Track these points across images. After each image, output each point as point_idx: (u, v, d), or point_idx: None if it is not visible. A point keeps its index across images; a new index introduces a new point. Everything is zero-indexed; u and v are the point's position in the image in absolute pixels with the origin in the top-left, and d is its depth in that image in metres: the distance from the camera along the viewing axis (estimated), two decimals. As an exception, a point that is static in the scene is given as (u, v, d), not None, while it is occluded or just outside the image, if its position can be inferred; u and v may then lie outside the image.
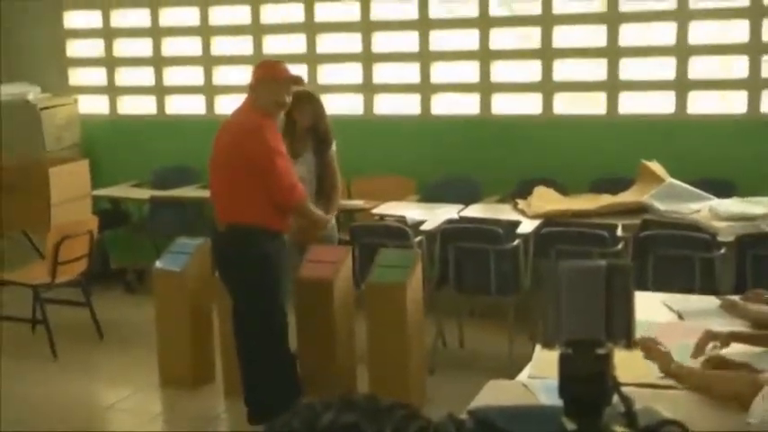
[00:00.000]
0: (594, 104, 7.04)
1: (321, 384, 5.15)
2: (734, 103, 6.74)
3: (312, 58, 7.65)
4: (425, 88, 7.38)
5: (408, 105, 7.43)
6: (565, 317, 1.61)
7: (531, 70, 7.10)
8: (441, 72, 7.36)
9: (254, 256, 4.84)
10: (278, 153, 4.85)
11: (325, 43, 7.64)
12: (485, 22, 7.15)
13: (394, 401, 1.31)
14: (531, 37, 7.10)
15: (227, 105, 8.02)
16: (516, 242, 5.78)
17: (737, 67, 6.70)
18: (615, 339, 1.58)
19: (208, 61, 8.04)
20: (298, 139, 5.30)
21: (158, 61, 8.21)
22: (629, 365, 2.36)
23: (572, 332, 1.60)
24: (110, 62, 8.39)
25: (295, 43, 7.72)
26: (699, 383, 2.89)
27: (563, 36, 7.00)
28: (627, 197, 6.16)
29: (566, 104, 7.12)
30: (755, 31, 6.55)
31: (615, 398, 1.61)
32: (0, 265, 6.80)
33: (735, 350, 3.35)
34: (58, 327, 6.37)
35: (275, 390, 4.89)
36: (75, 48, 8.53)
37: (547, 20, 6.99)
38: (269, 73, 5.00)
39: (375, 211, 6.44)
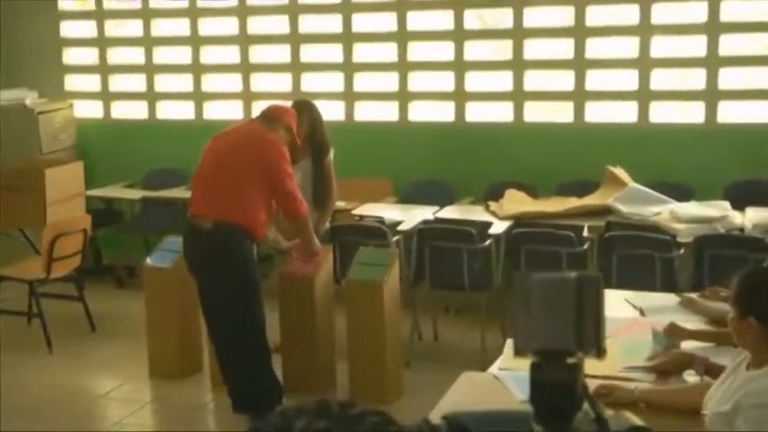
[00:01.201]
0: (562, 113, 7.06)
1: (302, 377, 5.15)
2: (692, 113, 6.77)
3: (297, 67, 7.64)
4: (403, 96, 7.37)
5: (387, 112, 7.42)
6: (536, 327, 1.59)
7: (502, 80, 7.11)
8: (418, 81, 7.36)
9: (241, 254, 4.77)
10: (289, 170, 4.86)
11: (309, 53, 7.62)
12: (460, 34, 7.15)
13: (368, 408, 1.27)
14: (503, 49, 7.11)
15: (215, 111, 8.02)
16: (488, 242, 5.79)
17: (695, 79, 6.73)
18: (585, 349, 1.55)
19: (197, 69, 8.00)
20: (295, 147, 5.27)
21: (150, 69, 8.17)
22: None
23: (543, 342, 1.57)
24: (104, 69, 8.34)
25: (280, 53, 7.70)
26: (662, 400, 2.88)
27: (533, 48, 7.02)
28: (592, 200, 6.18)
29: (535, 113, 7.13)
30: (712, 45, 6.59)
31: (586, 404, 1.59)
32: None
33: (694, 345, 3.37)
34: (52, 320, 6.32)
35: (257, 380, 4.86)
36: (70, 55, 8.47)
37: (518, 33, 7.00)
38: (291, 122, 5.05)
39: (355, 211, 6.43)
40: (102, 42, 8.31)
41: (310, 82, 7.63)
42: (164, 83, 8.18)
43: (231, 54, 7.86)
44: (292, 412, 1.26)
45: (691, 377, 3.13)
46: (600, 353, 1.56)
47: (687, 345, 3.37)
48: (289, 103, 5.56)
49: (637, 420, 1.69)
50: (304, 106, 5.56)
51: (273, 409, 1.33)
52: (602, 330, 1.58)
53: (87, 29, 8.35)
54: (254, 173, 4.77)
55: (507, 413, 2.15)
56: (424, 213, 6.29)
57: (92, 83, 8.40)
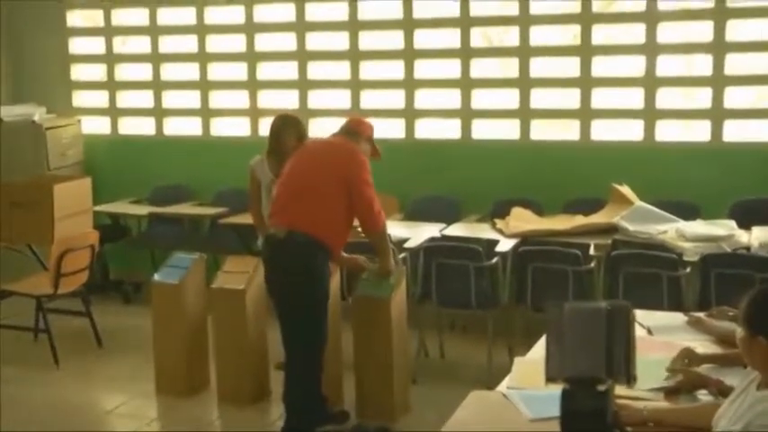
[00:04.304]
0: (568, 131, 7.08)
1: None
2: (698, 132, 6.79)
3: (304, 84, 7.68)
4: (410, 113, 7.40)
5: (394, 129, 7.44)
6: (567, 355, 1.60)
7: (509, 98, 7.14)
8: (424, 98, 7.39)
9: (311, 266, 4.70)
10: (369, 179, 4.82)
11: (317, 70, 7.65)
12: (466, 52, 7.18)
13: None
14: (509, 67, 7.13)
15: (223, 127, 8.06)
16: (495, 260, 5.79)
17: (701, 97, 6.75)
18: (616, 376, 1.55)
19: (204, 85, 8.04)
20: (284, 160, 5.26)
21: (157, 85, 8.22)
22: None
23: (574, 369, 1.58)
24: (112, 85, 8.39)
25: (288, 70, 7.74)
26: (672, 420, 2.87)
27: (540, 66, 7.05)
28: (599, 218, 6.18)
29: (541, 131, 7.14)
30: (718, 64, 6.61)
31: None
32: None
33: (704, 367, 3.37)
34: (59, 335, 6.34)
35: (303, 397, 4.84)
36: (79, 71, 8.52)
37: (524, 51, 7.03)
38: (362, 130, 5.08)
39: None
40: (110, 59, 8.36)
41: (317, 99, 7.67)
42: (171, 99, 8.22)
43: (239, 70, 7.90)
44: None
45: (702, 396, 3.13)
46: (630, 380, 1.57)
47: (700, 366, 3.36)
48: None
49: None
50: (291, 120, 5.70)
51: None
52: (633, 358, 1.59)
53: (95, 45, 8.40)
54: (333, 182, 4.73)
55: None
56: (430, 231, 6.30)
57: (100, 99, 8.45)
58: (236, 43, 7.88)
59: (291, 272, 4.73)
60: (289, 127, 5.60)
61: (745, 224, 5.88)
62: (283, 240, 4.72)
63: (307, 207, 4.74)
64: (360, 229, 4.98)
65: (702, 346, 3.59)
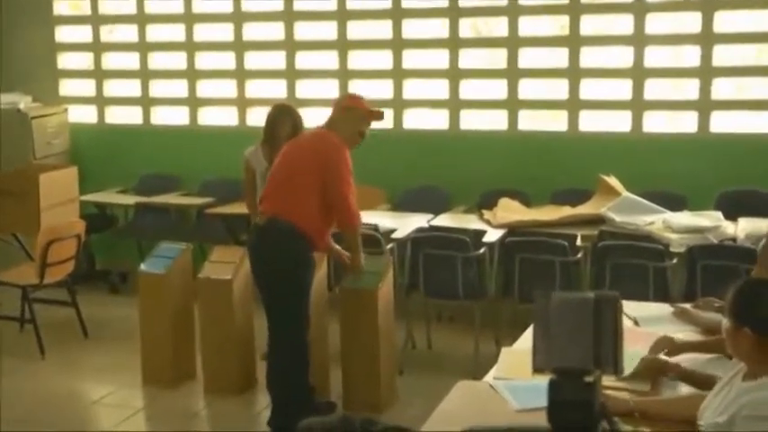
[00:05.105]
0: (556, 122, 7.07)
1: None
2: (685, 123, 6.80)
3: (292, 74, 7.65)
4: (398, 104, 7.39)
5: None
6: (554, 345, 1.60)
7: (497, 88, 7.13)
8: (412, 88, 7.38)
9: (291, 253, 4.71)
10: (350, 179, 4.80)
11: (305, 60, 7.63)
12: (455, 42, 7.17)
13: (390, 425, 1.28)
14: (497, 57, 7.12)
15: (210, 117, 8.02)
16: (482, 250, 5.79)
17: (689, 88, 6.76)
18: (603, 367, 1.55)
19: (191, 75, 8.01)
20: (278, 149, 5.26)
21: (144, 74, 8.17)
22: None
23: (561, 360, 1.58)
24: (98, 74, 8.34)
25: (276, 59, 7.71)
26: (657, 411, 2.88)
27: (528, 57, 7.04)
28: (586, 209, 6.19)
29: (529, 121, 7.14)
30: (706, 56, 6.62)
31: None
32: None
33: (687, 356, 3.37)
34: (45, 325, 6.32)
35: (289, 386, 4.85)
36: (65, 60, 8.48)
37: (513, 41, 7.02)
38: (355, 104, 5.00)
39: (349, 219, 6.41)
40: (96, 47, 8.31)
41: (305, 89, 7.64)
42: (158, 88, 8.18)
43: (226, 60, 7.87)
44: (317, 428, 1.27)
45: (684, 388, 3.13)
46: (617, 371, 1.57)
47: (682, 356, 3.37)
48: None
49: None
50: (286, 110, 5.82)
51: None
52: (620, 349, 1.59)
53: (82, 34, 8.35)
54: (312, 175, 4.73)
55: (526, 428, 2.15)
56: (418, 221, 6.30)
57: (86, 88, 8.40)
58: (224, 32, 7.84)
59: (271, 258, 4.76)
60: (284, 116, 5.72)
61: (731, 215, 5.90)
62: (264, 227, 4.77)
63: (288, 196, 4.76)
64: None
65: (688, 337, 3.60)
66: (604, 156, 6.77)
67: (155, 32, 8.12)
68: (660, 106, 6.87)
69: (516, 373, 3.24)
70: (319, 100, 7.47)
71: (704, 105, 6.68)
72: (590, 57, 6.89)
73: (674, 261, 5.46)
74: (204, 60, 7.99)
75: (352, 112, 4.95)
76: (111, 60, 8.33)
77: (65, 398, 5.53)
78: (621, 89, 6.85)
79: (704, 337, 3.58)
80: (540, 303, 1.65)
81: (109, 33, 8.31)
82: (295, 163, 4.83)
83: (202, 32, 7.94)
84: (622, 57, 6.81)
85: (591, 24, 6.89)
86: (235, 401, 5.36)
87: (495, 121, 7.17)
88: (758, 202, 6.23)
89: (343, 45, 7.48)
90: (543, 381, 2.03)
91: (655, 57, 6.76)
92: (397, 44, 7.32)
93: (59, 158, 7.94)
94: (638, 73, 6.77)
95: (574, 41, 6.88)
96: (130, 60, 8.21)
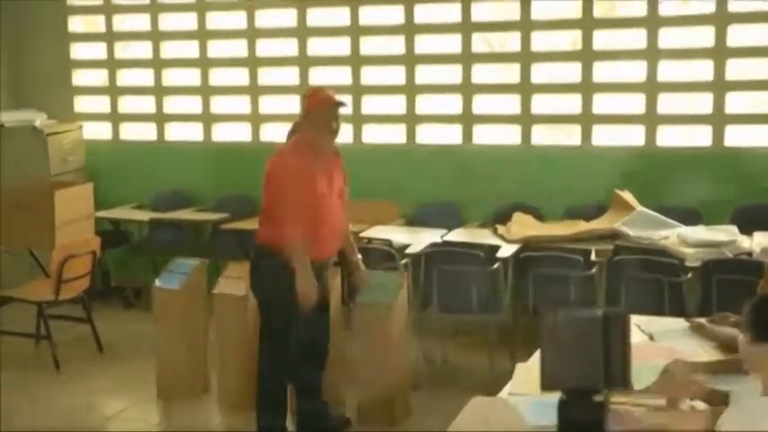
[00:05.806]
0: (570, 136, 7.07)
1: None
2: (699, 137, 6.79)
3: (305, 90, 7.65)
4: (411, 119, 7.40)
5: (395, 134, 7.45)
6: (563, 364, 1.57)
7: (510, 103, 7.14)
8: (425, 103, 7.39)
9: (267, 272, 4.76)
10: (296, 186, 4.64)
11: (318, 76, 7.65)
12: (467, 57, 7.19)
13: None
14: (510, 72, 7.14)
15: (224, 133, 8.06)
16: (497, 265, 5.79)
17: (703, 103, 6.75)
18: (613, 386, 1.53)
19: (205, 91, 8.05)
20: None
21: (159, 91, 8.22)
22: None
23: (570, 379, 1.55)
24: (113, 91, 8.40)
25: (289, 75, 7.74)
26: (672, 426, 2.86)
27: (541, 72, 7.05)
28: (600, 224, 6.18)
29: (543, 136, 7.14)
30: (719, 69, 6.61)
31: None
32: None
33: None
34: (60, 342, 6.35)
35: (261, 398, 4.92)
36: (80, 77, 8.53)
37: (526, 56, 7.04)
38: (318, 99, 4.88)
39: (363, 234, 6.43)
40: (111, 64, 8.37)
41: (318, 104, 7.64)
42: (173, 105, 8.22)
43: (240, 76, 7.91)
44: None
45: (700, 404, 3.12)
46: (627, 390, 1.55)
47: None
48: None
49: None
50: None
51: None
52: (629, 367, 1.56)
53: (97, 50, 8.42)
54: (267, 196, 4.77)
55: None
56: (431, 236, 6.30)
57: (101, 104, 8.46)
58: (238, 49, 7.88)
59: (252, 283, 4.93)
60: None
61: (746, 230, 5.88)
62: (252, 255, 4.94)
63: (261, 220, 4.90)
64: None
65: (704, 351, 3.58)
66: (618, 170, 6.76)
67: (169, 49, 8.17)
68: (674, 120, 6.86)
69: (531, 389, 3.22)
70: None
71: (718, 119, 6.67)
72: (603, 71, 6.90)
73: (689, 275, 5.44)
74: (218, 76, 8.03)
75: (316, 112, 4.84)
76: (125, 77, 8.39)
77: (80, 413, 5.54)
78: (635, 103, 6.85)
79: (719, 354, 3.56)
80: (547, 321, 1.63)
81: (123, 50, 8.37)
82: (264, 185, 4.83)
83: (216, 49, 7.99)
84: (635, 71, 6.81)
85: (604, 39, 6.89)
86: (249, 416, 5.33)
87: (509, 135, 7.17)
88: (774, 217, 6.21)
89: (356, 60, 7.51)
90: (558, 397, 2.02)
91: (668, 71, 6.76)
92: (410, 59, 7.34)
93: (74, 175, 7.98)
94: (652, 87, 6.77)
95: (587, 56, 6.89)
96: (145, 77, 8.27)
